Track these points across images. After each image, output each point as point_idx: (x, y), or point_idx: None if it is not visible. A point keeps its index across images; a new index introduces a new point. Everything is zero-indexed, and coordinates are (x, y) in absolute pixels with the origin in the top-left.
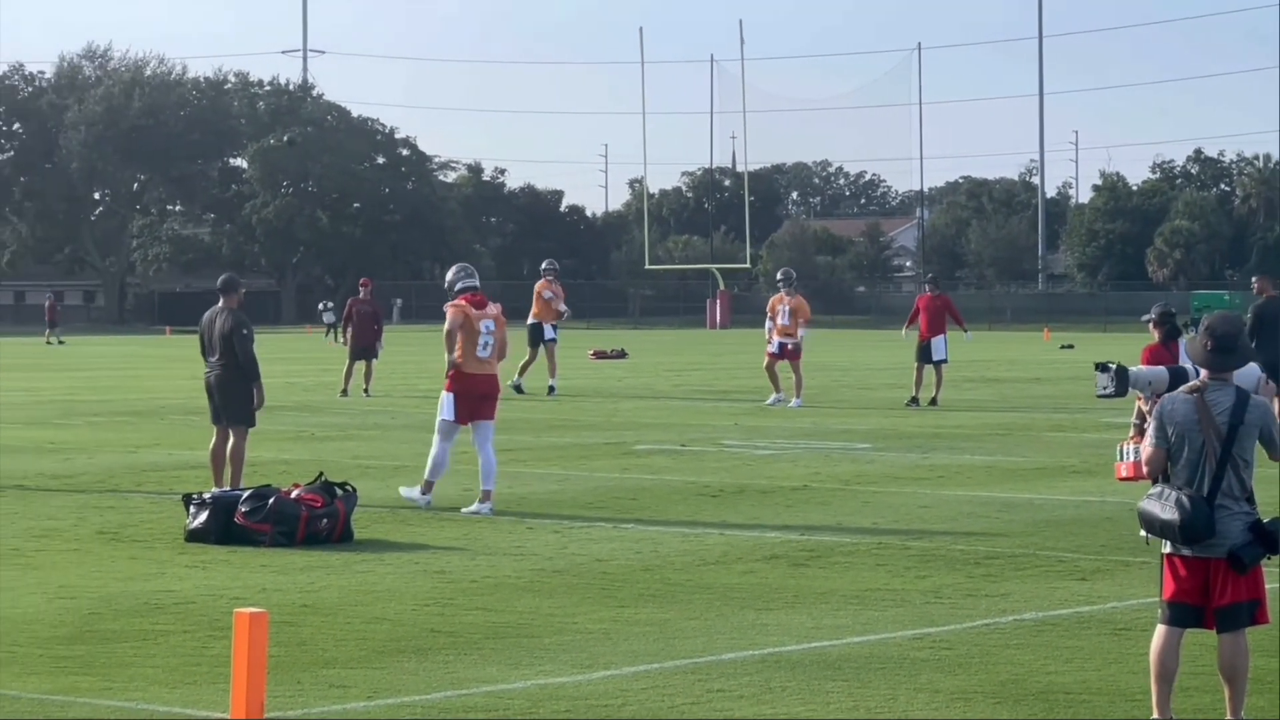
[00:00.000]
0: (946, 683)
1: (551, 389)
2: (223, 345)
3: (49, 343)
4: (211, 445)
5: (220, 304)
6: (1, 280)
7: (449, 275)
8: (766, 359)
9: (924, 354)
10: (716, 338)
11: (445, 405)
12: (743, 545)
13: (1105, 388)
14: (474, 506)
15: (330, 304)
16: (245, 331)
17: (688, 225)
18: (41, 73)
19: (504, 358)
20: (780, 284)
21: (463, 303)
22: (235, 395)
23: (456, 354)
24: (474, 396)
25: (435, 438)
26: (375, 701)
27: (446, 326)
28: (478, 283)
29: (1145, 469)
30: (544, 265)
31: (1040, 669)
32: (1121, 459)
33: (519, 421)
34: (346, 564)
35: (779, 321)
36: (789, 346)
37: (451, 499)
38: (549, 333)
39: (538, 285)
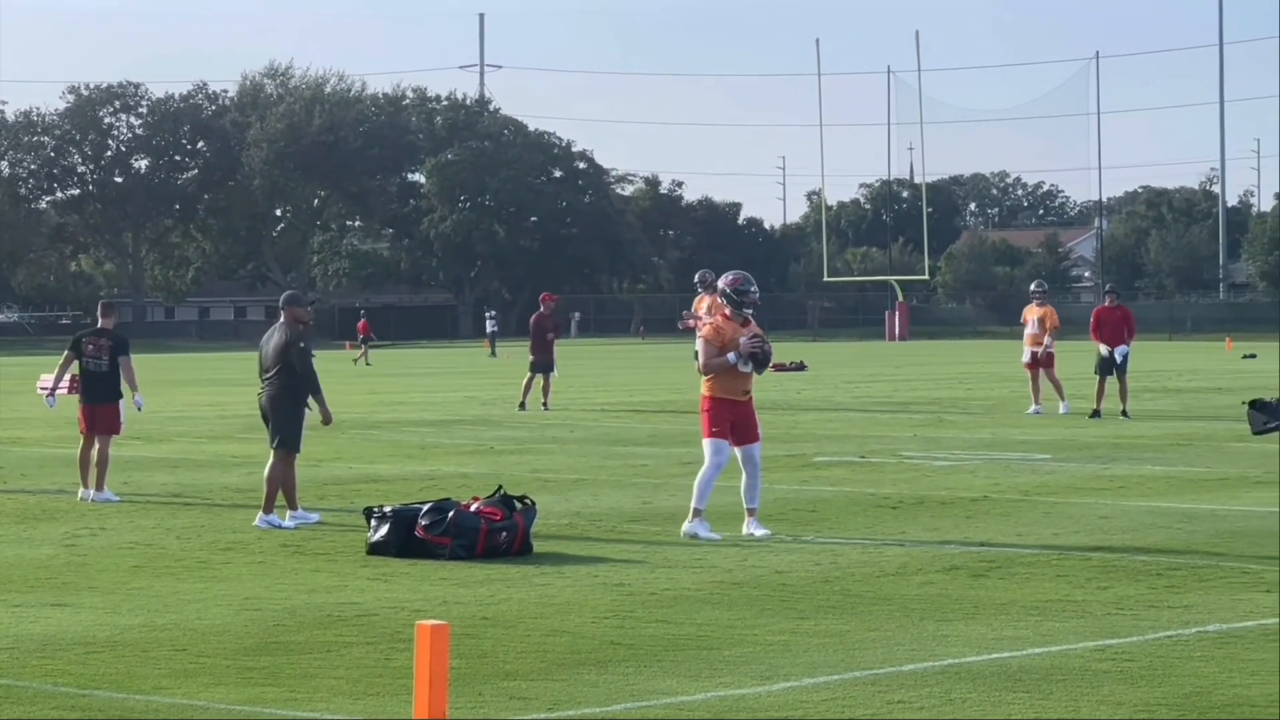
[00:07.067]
0: (1129, 695)
1: None
2: (276, 360)
3: (359, 361)
4: (268, 466)
5: (281, 319)
6: (186, 297)
7: (727, 281)
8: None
9: (1106, 366)
10: (895, 349)
11: (704, 425)
12: (922, 557)
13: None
14: (748, 528)
15: (494, 312)
16: (303, 346)
17: (866, 237)
18: (225, 91)
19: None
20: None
21: (722, 324)
22: (284, 415)
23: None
24: (729, 418)
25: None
26: (556, 714)
27: (704, 358)
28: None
29: None
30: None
31: (1225, 682)
32: None
33: (696, 434)
34: (526, 577)
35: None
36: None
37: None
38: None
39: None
